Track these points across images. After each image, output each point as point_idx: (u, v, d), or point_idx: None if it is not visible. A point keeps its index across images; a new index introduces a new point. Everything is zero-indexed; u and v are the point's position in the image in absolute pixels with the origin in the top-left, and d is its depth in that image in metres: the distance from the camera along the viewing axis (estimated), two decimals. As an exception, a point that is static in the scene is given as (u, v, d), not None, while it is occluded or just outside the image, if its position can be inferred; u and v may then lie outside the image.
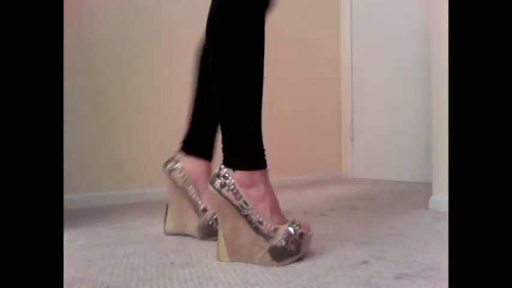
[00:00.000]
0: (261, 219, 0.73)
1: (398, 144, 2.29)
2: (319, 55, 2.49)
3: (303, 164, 2.32)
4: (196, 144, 0.97)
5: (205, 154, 0.97)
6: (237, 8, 0.76)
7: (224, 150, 0.78)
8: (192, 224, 0.92)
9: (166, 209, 0.95)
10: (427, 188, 1.49)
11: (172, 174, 0.94)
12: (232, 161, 0.76)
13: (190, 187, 0.92)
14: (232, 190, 0.74)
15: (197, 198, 0.92)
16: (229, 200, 0.74)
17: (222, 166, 0.76)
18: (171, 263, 0.74)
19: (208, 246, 0.86)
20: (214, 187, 0.75)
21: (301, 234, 0.74)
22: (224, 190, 0.74)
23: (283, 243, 0.72)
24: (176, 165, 0.95)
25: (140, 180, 1.60)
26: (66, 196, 1.32)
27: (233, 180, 0.74)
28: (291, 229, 0.73)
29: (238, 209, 0.74)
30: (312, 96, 2.42)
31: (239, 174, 0.75)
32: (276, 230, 0.73)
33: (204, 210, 0.90)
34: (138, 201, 1.56)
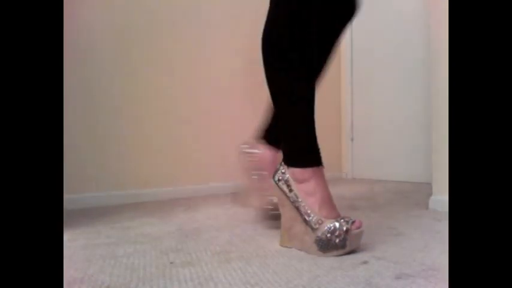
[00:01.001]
0: (308, 211, 0.80)
1: (398, 144, 2.29)
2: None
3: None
4: (276, 135, 1.04)
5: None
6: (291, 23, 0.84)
7: (283, 149, 0.89)
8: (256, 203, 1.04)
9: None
10: (427, 188, 1.49)
11: (245, 157, 1.05)
12: (288, 159, 0.86)
13: (256, 172, 1.04)
14: (286, 183, 0.84)
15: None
16: (284, 192, 0.84)
17: (282, 163, 0.87)
18: (171, 263, 0.74)
19: (208, 244, 0.86)
20: (274, 180, 0.87)
21: (347, 230, 0.77)
22: (280, 183, 0.85)
23: (328, 235, 0.77)
24: (251, 150, 1.06)
25: (139, 180, 1.60)
26: (66, 196, 1.32)
27: (287, 176, 0.85)
28: (336, 223, 0.78)
29: (291, 200, 0.83)
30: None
31: (293, 170, 0.84)
32: (321, 222, 0.79)
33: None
34: (138, 201, 1.55)
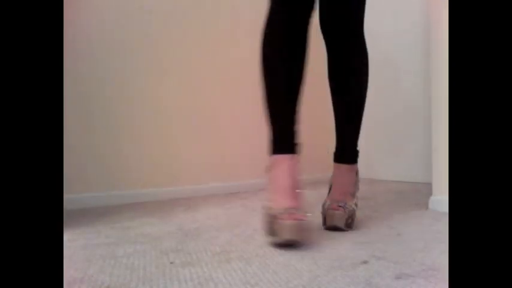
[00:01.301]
0: (268, 197, 0.89)
1: (398, 144, 2.29)
2: (319, 54, 2.49)
3: (303, 164, 2.30)
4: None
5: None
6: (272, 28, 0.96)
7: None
8: None
9: None
10: (427, 188, 1.49)
11: None
12: (268, 147, 0.95)
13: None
14: (267, 172, 0.93)
15: None
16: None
17: None
18: (171, 263, 0.74)
19: (208, 244, 0.86)
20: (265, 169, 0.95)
21: (274, 217, 0.82)
22: (267, 172, 0.93)
23: (267, 220, 0.86)
24: None
25: (139, 180, 1.60)
26: (66, 196, 1.32)
27: (269, 164, 0.93)
28: (271, 211, 0.85)
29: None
30: (312, 96, 2.41)
31: (269, 158, 0.93)
32: (269, 208, 0.86)
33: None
34: (138, 201, 1.55)
